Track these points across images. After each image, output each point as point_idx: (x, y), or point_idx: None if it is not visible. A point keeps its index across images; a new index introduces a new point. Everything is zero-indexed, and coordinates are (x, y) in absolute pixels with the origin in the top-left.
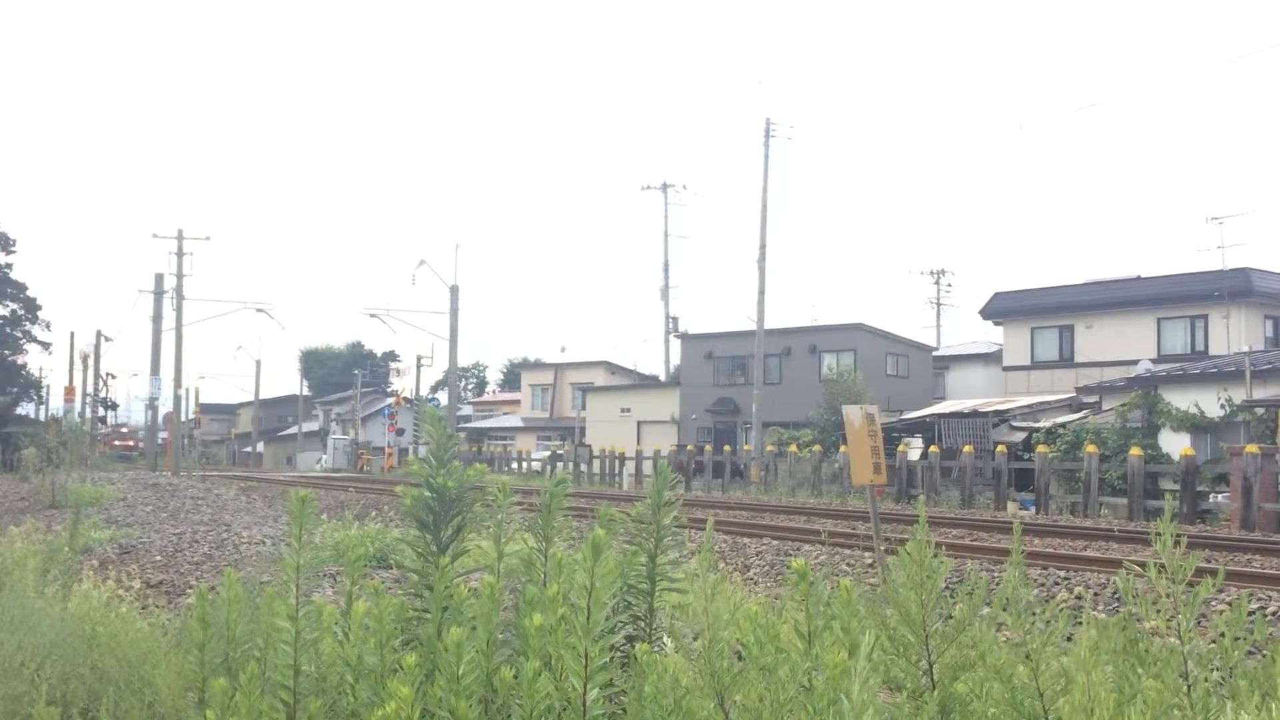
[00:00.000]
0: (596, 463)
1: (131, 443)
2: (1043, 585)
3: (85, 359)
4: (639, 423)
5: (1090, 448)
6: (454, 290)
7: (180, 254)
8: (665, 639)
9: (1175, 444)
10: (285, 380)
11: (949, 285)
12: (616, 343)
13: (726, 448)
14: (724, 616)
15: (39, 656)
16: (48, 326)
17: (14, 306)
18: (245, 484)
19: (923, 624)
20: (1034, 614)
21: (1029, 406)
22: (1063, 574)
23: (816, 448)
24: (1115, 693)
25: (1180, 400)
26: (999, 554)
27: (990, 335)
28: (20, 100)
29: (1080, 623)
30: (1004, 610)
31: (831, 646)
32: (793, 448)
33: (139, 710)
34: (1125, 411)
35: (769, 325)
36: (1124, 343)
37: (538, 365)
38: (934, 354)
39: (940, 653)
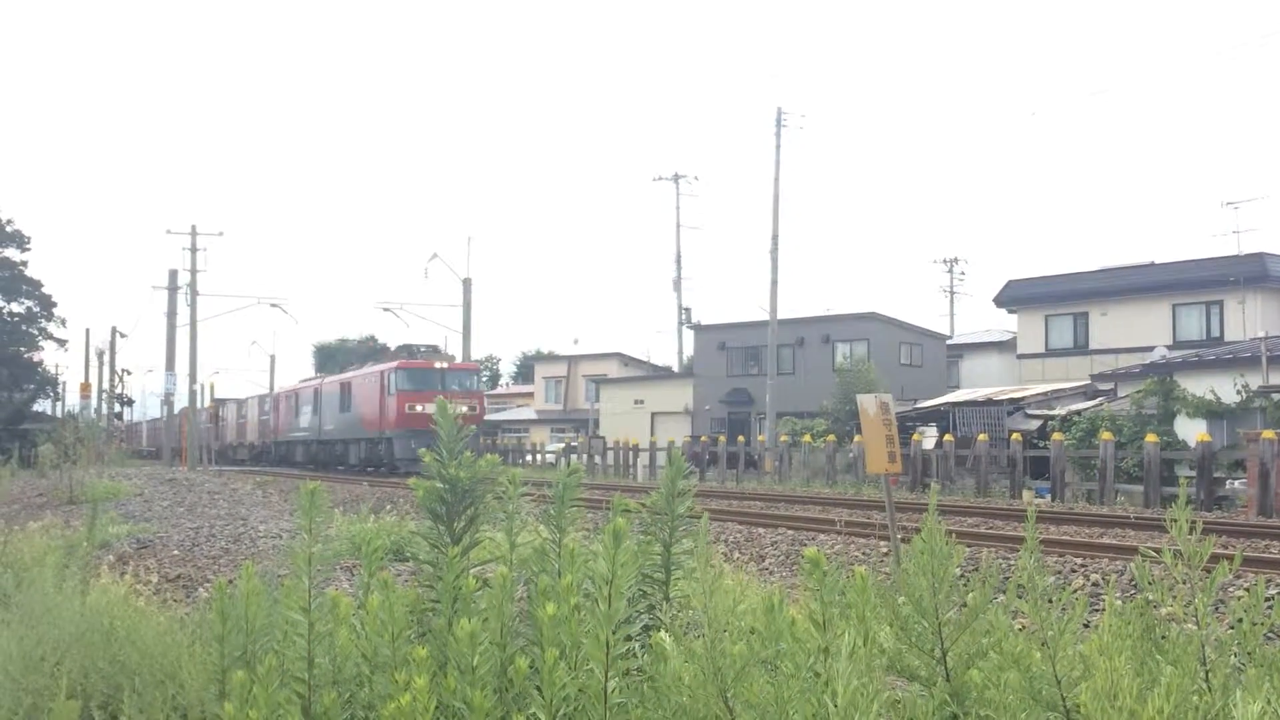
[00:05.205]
0: (610, 454)
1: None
2: (1059, 573)
3: (101, 355)
4: (652, 414)
5: (1106, 435)
6: (467, 283)
7: (194, 250)
8: (664, 635)
9: (1191, 430)
10: (299, 374)
11: (962, 273)
12: (629, 334)
13: (740, 438)
14: (723, 613)
15: (59, 650)
16: (63, 323)
17: (29, 304)
18: (261, 479)
19: (935, 612)
20: (1050, 600)
21: (1044, 394)
22: (1079, 561)
23: (830, 438)
24: (1137, 678)
25: (1196, 387)
26: (1015, 541)
27: (1004, 323)
28: (33, 97)
29: (1098, 610)
30: (1019, 598)
31: (844, 634)
32: (807, 438)
33: (161, 703)
34: (1141, 398)
35: (782, 315)
36: (1139, 329)
37: (551, 358)
38: (948, 342)
39: (953, 641)
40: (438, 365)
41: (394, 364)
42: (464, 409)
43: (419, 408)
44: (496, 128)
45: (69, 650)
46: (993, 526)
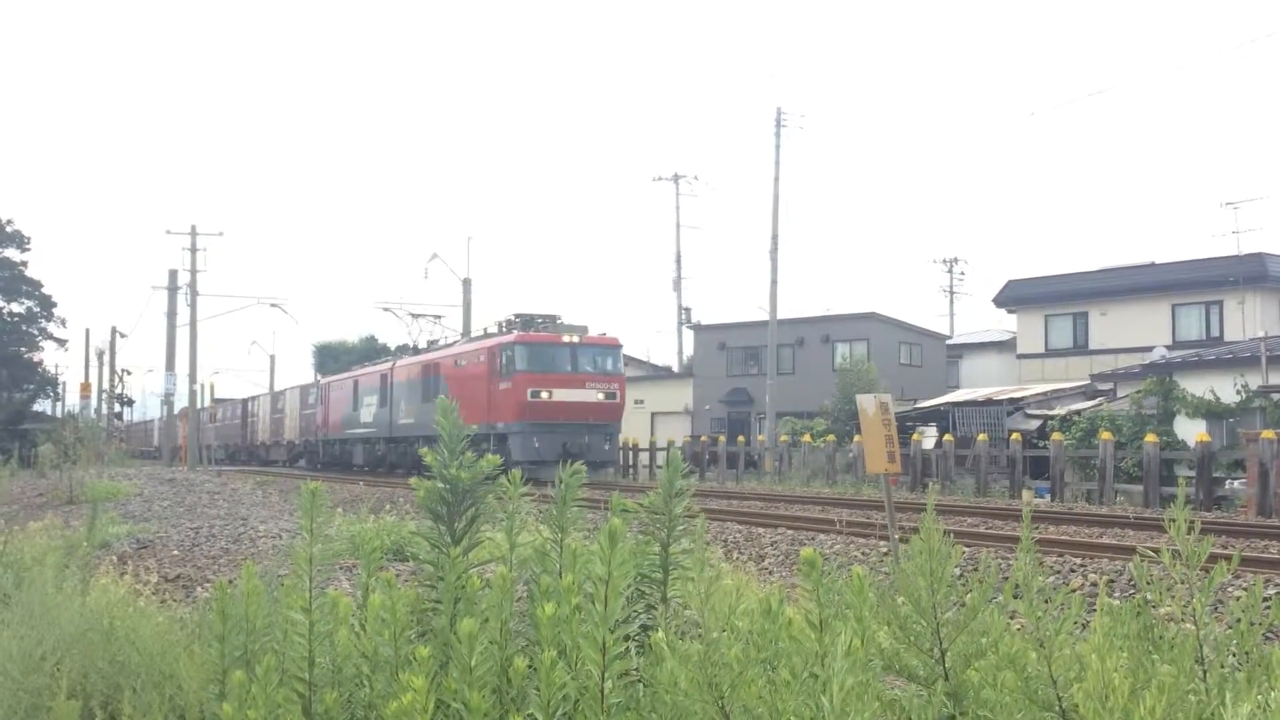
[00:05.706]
0: None
1: None
2: (1058, 572)
3: (100, 355)
4: (652, 414)
5: (1105, 435)
6: (466, 283)
7: (194, 250)
8: (661, 636)
9: (1191, 430)
10: (299, 374)
11: (962, 273)
12: (629, 334)
13: (740, 438)
14: (722, 615)
15: (59, 650)
16: (63, 323)
17: (30, 304)
18: (261, 479)
19: (933, 611)
20: (1047, 600)
21: (1043, 394)
22: (1079, 561)
23: (830, 438)
24: (1130, 678)
25: (1196, 387)
26: (1013, 541)
27: (1004, 323)
28: (34, 98)
29: (1096, 609)
30: (1015, 597)
31: (842, 636)
32: (806, 438)
33: (160, 703)
34: (1140, 398)
35: (782, 315)
36: (1138, 329)
37: None
38: (948, 342)
39: (952, 640)
40: (567, 340)
41: (510, 337)
42: (601, 396)
43: (545, 394)
44: (496, 128)
45: (69, 650)
46: (992, 526)
